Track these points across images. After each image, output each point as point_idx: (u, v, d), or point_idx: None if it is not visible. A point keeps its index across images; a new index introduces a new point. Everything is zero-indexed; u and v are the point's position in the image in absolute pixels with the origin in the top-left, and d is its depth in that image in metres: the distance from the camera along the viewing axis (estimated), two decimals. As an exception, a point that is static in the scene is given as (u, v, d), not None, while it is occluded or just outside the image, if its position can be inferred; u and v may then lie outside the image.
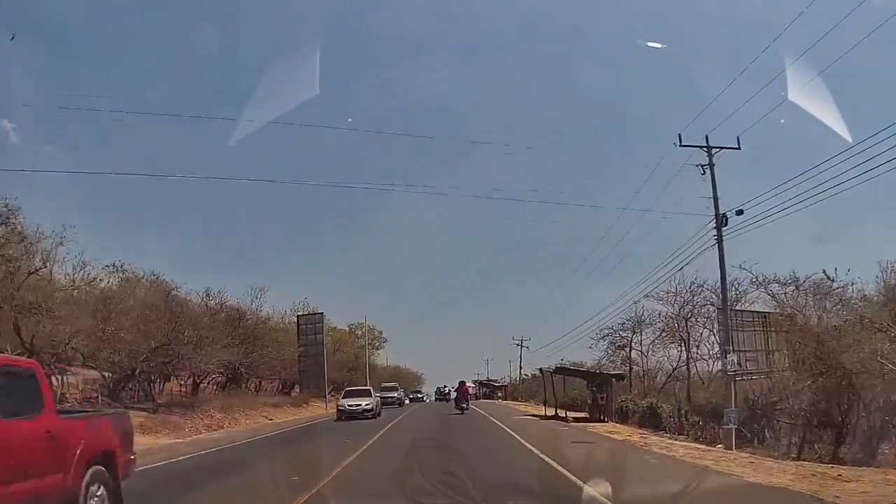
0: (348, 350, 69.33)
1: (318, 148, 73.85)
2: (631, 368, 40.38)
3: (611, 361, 42.34)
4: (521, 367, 66.90)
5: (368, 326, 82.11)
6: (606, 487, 8.19)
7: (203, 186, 75.74)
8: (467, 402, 33.09)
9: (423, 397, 68.99)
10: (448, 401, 50.07)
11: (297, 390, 42.86)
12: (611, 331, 40.99)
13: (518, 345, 67.19)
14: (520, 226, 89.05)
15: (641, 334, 38.18)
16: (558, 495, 9.30)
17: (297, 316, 41.70)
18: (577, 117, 66.88)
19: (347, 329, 76.97)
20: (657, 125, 60.36)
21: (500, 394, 70.26)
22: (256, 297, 41.46)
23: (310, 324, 41.00)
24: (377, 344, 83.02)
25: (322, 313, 41.38)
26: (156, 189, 64.81)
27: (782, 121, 20.18)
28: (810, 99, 16.85)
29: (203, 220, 69.31)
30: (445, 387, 67.27)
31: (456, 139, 70.46)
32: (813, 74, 16.29)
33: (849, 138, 15.74)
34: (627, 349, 40.86)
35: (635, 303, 36.18)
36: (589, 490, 8.39)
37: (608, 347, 42.52)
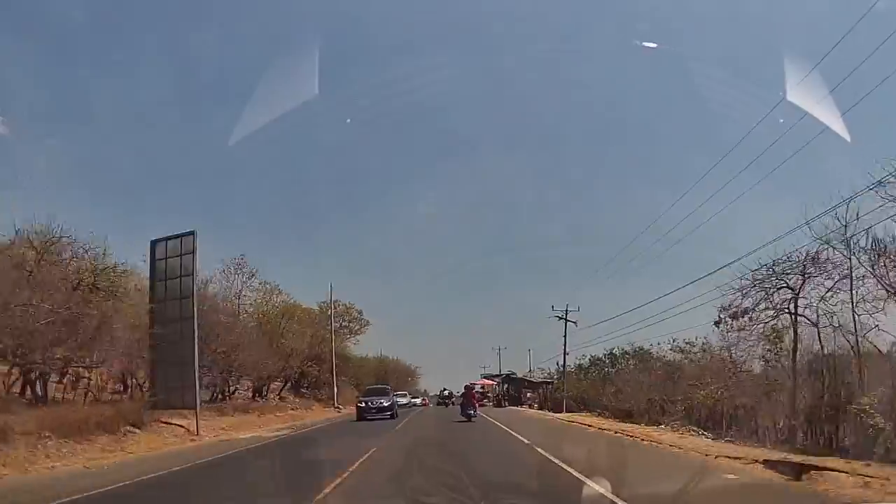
0: (300, 331, 48.34)
1: (318, 147, 72.59)
2: (796, 341, 19.98)
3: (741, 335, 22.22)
4: (565, 354, 43.77)
5: (345, 305, 61.62)
6: None
7: (202, 183, 68.07)
8: (474, 408, 28.26)
9: (392, 405, 32.33)
10: (448, 406, 44.84)
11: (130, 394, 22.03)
12: (771, 274, 20.74)
13: (560, 318, 43.95)
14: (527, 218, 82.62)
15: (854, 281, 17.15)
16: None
17: (151, 243, 20.97)
18: (577, 117, 66.83)
19: (318, 309, 56.48)
20: (657, 125, 59.88)
21: (529, 394, 48.97)
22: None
23: (172, 256, 20.35)
24: (355, 328, 62.37)
25: (193, 232, 20.37)
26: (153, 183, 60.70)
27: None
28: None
29: (202, 219, 67.18)
30: (445, 389, 56.14)
31: (456, 138, 71.81)
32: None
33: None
34: (790, 305, 20.06)
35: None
36: None
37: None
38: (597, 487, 7.58)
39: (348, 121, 58.68)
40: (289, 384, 48.10)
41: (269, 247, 73.71)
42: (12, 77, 42.67)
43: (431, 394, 77.10)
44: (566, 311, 43.90)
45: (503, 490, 8.60)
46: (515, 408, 45.10)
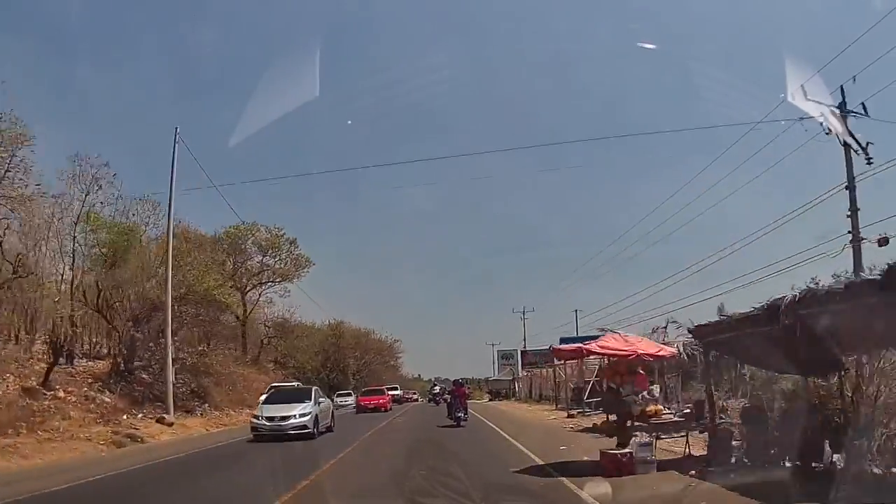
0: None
1: (318, 146, 65.37)
2: None
3: None
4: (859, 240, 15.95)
5: (268, 230, 37.46)
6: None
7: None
8: (464, 410, 24.28)
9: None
10: (439, 404, 36.69)
11: None
12: None
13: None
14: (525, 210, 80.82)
15: None
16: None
17: None
18: (576, 116, 57.28)
19: (213, 239, 33.09)
20: (656, 124, 49.46)
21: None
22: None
23: None
24: (285, 269, 38.26)
25: None
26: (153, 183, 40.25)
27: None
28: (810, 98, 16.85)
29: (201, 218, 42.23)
30: (436, 385, 45.27)
31: (455, 137, 68.93)
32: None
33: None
34: None
35: None
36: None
37: None
38: None
39: (349, 122, 61.60)
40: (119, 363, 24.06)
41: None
42: (11, 74, 37.57)
43: (427, 378, 68.65)
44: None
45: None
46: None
